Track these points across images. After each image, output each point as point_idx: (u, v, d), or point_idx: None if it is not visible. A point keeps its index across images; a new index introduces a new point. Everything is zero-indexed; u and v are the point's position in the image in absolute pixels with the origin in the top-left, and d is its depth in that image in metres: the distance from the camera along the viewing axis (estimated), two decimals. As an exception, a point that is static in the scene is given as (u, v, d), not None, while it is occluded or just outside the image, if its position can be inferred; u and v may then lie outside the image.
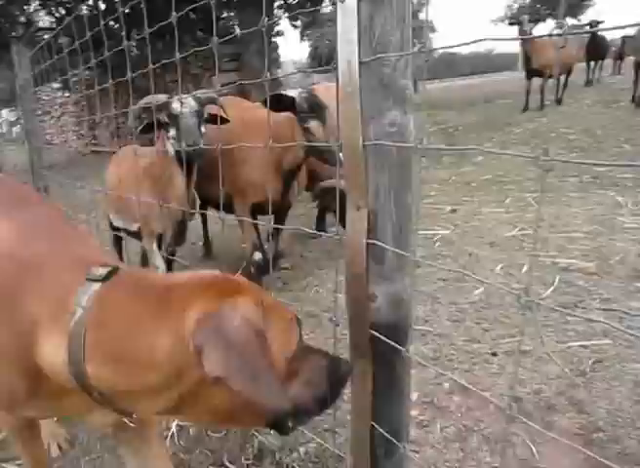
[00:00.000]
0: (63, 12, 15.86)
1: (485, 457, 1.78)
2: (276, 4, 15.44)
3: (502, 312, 2.80)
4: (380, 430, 1.24)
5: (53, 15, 17.70)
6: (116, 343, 0.97)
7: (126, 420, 1.19)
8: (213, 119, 2.80)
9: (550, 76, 9.78)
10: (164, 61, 2.05)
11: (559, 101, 10.99)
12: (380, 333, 1.16)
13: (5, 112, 30.72)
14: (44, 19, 18.90)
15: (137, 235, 3.33)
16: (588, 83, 13.73)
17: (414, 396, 2.10)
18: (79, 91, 14.38)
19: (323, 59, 41.50)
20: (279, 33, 20.47)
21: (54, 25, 17.45)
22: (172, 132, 2.74)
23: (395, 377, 1.23)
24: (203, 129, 2.75)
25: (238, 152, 2.98)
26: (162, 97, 2.72)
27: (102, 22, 2.19)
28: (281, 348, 1.00)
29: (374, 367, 1.21)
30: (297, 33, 41.01)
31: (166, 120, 2.73)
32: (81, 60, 2.88)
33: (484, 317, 2.78)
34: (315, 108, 2.83)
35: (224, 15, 15.37)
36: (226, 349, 0.87)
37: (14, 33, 17.52)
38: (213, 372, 0.85)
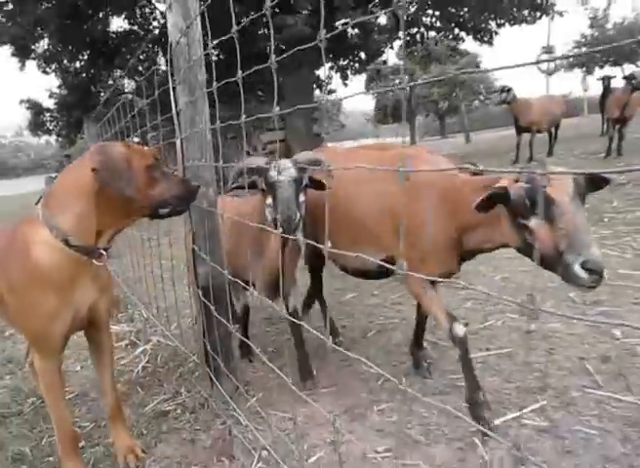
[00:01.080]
0: (141, 78, 17.64)
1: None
2: (328, 65, 16.60)
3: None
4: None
5: (134, 80, 19.75)
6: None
7: (95, 261, 2.10)
8: (316, 184, 2.66)
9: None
10: (230, 122, 2.23)
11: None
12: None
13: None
14: (128, 85, 21.04)
15: None
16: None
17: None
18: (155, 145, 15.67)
19: (388, 111, 42.63)
20: (331, 91, 21.75)
21: (133, 89, 19.45)
22: (269, 200, 2.55)
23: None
24: (302, 197, 2.55)
25: (414, 213, 2.51)
26: (260, 162, 2.61)
27: (172, 86, 2.73)
28: (139, 162, 2.05)
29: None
30: (362, 85, 42.50)
31: (263, 186, 2.60)
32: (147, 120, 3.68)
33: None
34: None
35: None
36: (106, 163, 1.95)
37: (101, 94, 19.66)
38: (98, 178, 1.95)
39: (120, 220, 2.15)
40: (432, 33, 16.53)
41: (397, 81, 42.19)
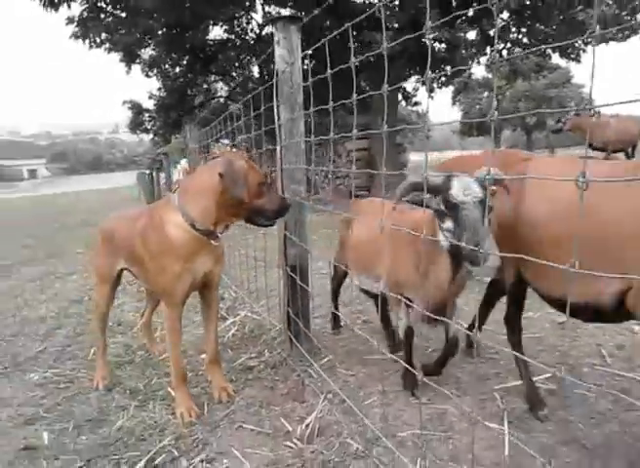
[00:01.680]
0: (235, 85, 18.78)
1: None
2: (414, 78, 17.14)
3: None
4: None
5: (228, 84, 21.01)
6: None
7: (212, 241, 2.86)
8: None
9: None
10: (322, 138, 2.69)
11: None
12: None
13: (184, 161, 35.55)
14: (221, 89, 22.35)
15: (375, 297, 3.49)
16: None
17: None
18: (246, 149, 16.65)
19: (474, 124, 42.47)
20: (416, 103, 22.24)
21: (227, 93, 20.75)
22: (447, 223, 2.30)
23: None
24: (487, 221, 2.18)
25: None
26: (436, 179, 2.34)
27: (276, 104, 3.33)
28: (253, 177, 2.74)
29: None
30: (449, 97, 42.57)
31: (441, 208, 2.32)
32: (245, 124, 4.39)
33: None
34: None
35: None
36: (231, 173, 2.67)
37: (197, 98, 21.05)
38: (222, 182, 2.69)
39: (231, 217, 2.87)
40: (518, 49, 16.71)
41: (485, 94, 42.04)
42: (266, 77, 16.51)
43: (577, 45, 15.72)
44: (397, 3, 13.51)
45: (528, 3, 13.17)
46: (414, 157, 61.88)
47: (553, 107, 36.21)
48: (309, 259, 3.46)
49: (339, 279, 3.95)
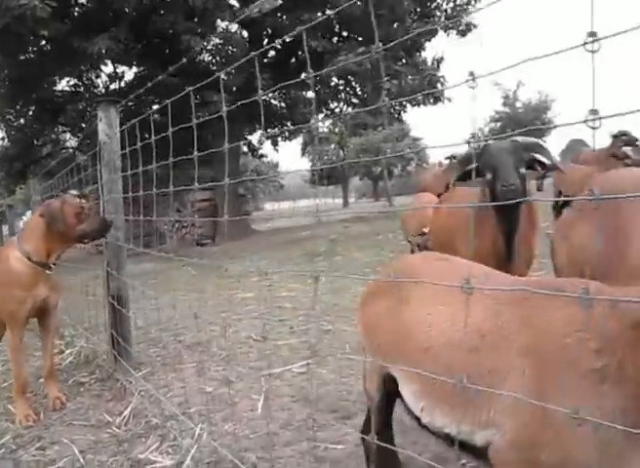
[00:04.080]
0: (83, 136, 19.08)
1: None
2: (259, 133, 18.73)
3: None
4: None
5: (76, 135, 21.12)
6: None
7: (47, 271, 3.66)
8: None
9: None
10: (137, 194, 4.29)
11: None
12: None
13: (29, 213, 34.22)
14: (69, 139, 22.34)
15: None
16: None
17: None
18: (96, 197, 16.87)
19: (323, 173, 45.02)
20: (262, 155, 23.91)
21: (76, 144, 20.85)
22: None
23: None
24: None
25: None
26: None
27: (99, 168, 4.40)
28: (69, 210, 3.62)
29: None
30: (298, 149, 44.99)
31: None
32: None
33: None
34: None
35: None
36: (48, 212, 3.58)
37: (44, 149, 20.90)
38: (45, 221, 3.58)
39: (62, 245, 3.74)
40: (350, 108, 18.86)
41: (332, 146, 44.97)
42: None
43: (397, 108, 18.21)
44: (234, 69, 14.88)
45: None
46: (269, 206, 63.05)
47: (392, 159, 39.65)
48: (127, 291, 4.32)
49: (381, 413, 2.22)
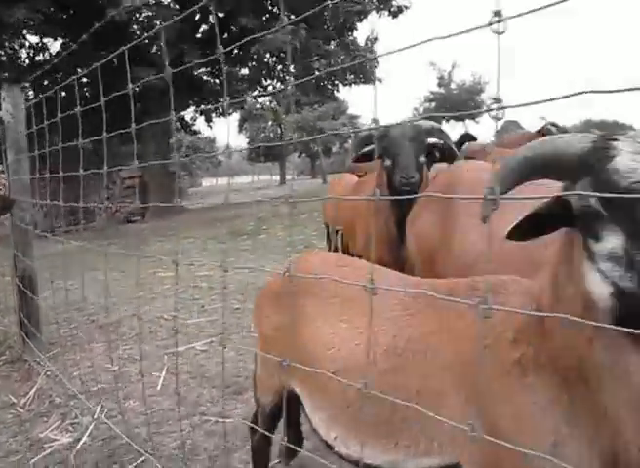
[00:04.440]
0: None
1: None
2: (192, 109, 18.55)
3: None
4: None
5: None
6: None
7: None
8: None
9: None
10: (48, 175, 4.21)
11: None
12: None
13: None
14: None
15: None
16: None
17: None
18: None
19: (260, 152, 44.82)
20: (195, 131, 23.69)
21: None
22: (608, 242, 1.24)
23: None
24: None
25: None
26: (577, 146, 1.26)
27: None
28: None
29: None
30: (235, 125, 44.62)
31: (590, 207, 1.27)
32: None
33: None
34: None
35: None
36: None
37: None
38: None
39: None
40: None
41: (269, 123, 44.76)
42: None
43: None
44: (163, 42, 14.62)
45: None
46: (207, 182, 62.30)
47: (329, 137, 39.83)
48: (35, 272, 4.30)
49: (266, 419, 2.11)
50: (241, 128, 46.04)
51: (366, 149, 3.03)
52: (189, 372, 3.74)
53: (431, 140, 2.91)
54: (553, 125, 7.75)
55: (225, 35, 17.26)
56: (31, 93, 15.57)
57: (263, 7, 16.09)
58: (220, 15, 16.02)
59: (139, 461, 2.69)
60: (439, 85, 40.75)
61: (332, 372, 1.51)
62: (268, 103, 37.68)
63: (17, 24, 12.47)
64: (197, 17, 16.21)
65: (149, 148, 15.38)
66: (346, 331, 1.63)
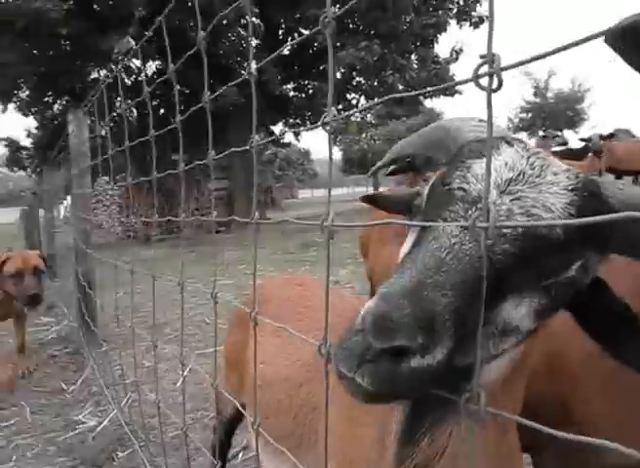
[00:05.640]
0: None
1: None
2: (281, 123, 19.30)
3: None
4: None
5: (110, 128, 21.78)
6: None
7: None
8: None
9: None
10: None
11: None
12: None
13: (69, 198, 35.37)
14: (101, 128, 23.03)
15: None
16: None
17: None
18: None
19: (355, 163, 45.19)
20: (284, 144, 24.42)
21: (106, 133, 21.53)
22: None
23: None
24: None
25: None
26: None
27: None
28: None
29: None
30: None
31: None
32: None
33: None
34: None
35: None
36: None
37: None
38: None
39: None
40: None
41: (363, 135, 45.16)
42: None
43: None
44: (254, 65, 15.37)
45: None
46: (304, 194, 63.57)
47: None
48: (94, 275, 4.86)
49: (224, 426, 2.40)
50: (335, 140, 46.71)
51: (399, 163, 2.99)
52: (208, 372, 4.09)
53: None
54: (555, 136, 7.45)
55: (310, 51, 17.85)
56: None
57: (340, 23, 16.49)
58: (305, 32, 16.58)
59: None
60: (535, 94, 39.29)
61: (259, 386, 1.50)
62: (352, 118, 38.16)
63: (109, 51, 13.42)
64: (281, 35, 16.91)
65: (235, 161, 16.10)
66: (276, 347, 1.69)
